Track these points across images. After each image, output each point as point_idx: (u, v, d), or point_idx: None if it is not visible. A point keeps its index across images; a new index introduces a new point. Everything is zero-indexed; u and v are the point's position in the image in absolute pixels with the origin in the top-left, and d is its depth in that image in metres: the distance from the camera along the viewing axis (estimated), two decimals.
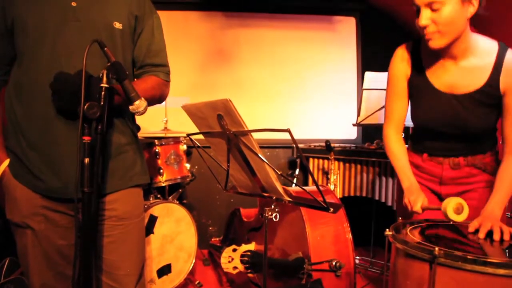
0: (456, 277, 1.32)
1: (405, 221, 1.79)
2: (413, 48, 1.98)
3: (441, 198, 2.06)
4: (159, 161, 3.43)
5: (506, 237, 1.55)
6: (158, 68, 1.92)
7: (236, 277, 3.40)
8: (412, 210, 1.84)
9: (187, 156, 3.65)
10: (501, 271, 1.26)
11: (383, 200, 3.64)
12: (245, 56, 4.74)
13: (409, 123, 2.12)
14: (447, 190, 2.03)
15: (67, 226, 1.78)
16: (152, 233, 3.06)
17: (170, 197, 3.63)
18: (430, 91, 1.92)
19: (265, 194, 1.85)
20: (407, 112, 2.09)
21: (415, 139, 2.12)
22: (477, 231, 1.62)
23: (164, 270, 3.14)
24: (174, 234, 3.20)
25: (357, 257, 4.04)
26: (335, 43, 4.85)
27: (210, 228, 4.67)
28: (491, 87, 1.81)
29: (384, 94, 2.12)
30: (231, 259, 2.89)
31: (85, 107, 1.45)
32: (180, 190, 3.79)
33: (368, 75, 3.76)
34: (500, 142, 1.94)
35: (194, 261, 3.31)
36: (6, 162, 1.77)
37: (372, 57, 4.69)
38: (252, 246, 2.99)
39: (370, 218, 3.99)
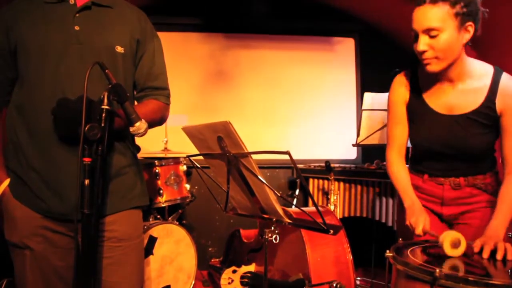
0: None
1: (406, 242, 1.79)
2: (411, 74, 2.03)
3: (442, 220, 2.06)
4: (159, 182, 3.43)
5: (510, 256, 1.55)
6: (159, 91, 1.94)
7: None
8: (414, 232, 1.84)
9: (187, 177, 3.65)
10: None
11: (383, 220, 3.63)
12: (245, 77, 4.78)
13: (408, 143, 2.13)
14: (448, 211, 2.03)
15: (66, 247, 1.77)
16: (152, 254, 3.05)
17: (169, 218, 3.62)
18: (428, 114, 1.96)
19: (265, 216, 1.85)
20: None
21: (415, 160, 2.14)
22: (481, 250, 1.61)
23: None
24: (174, 255, 3.19)
25: (358, 278, 4.01)
26: (334, 64, 4.89)
27: (209, 249, 4.64)
28: (488, 108, 1.85)
29: (383, 114, 2.15)
30: (231, 281, 2.87)
31: (86, 128, 1.46)
32: (180, 211, 3.78)
33: (367, 95, 3.77)
34: (500, 161, 1.95)
35: (193, 282, 3.29)
36: (6, 182, 1.77)
37: (371, 78, 4.72)
38: (252, 267, 2.97)
39: (371, 239, 3.97)
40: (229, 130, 1.59)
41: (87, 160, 1.49)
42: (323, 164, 3.80)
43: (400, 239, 1.83)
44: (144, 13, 1.94)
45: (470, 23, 1.76)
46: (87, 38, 1.73)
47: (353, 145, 3.87)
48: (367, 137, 3.71)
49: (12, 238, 1.76)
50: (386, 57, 4.49)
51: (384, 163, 2.17)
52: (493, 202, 1.89)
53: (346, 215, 3.92)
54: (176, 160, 3.58)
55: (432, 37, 1.75)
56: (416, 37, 1.80)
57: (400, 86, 2.05)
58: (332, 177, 3.73)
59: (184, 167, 3.63)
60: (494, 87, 1.84)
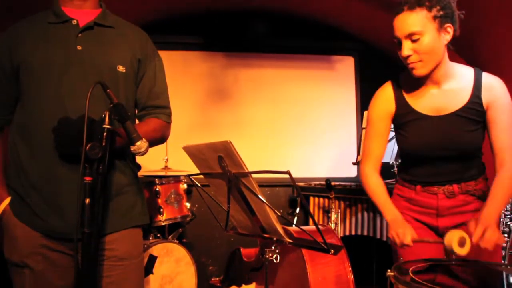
0: None
1: (407, 261, 1.78)
2: (394, 84, 2.09)
3: (438, 233, 2.05)
4: (159, 200, 3.43)
5: (475, 240, 1.67)
6: (160, 110, 1.94)
7: None
8: (402, 243, 1.84)
9: (187, 195, 3.64)
10: None
11: (384, 239, 3.61)
12: (245, 95, 4.80)
13: (385, 159, 2.15)
14: (444, 223, 2.03)
15: (66, 266, 1.76)
16: (152, 273, 3.03)
17: (170, 237, 3.60)
18: (417, 118, 2.00)
19: (266, 235, 1.84)
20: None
21: (406, 171, 2.14)
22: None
23: None
24: (174, 274, 3.17)
25: None
26: (334, 82, 4.92)
27: (210, 268, 4.61)
28: (475, 104, 1.92)
29: None
30: None
31: (87, 147, 1.47)
32: (180, 230, 3.76)
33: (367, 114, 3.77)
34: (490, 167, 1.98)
35: None
36: (7, 200, 1.77)
37: (371, 96, 4.69)
38: (252, 287, 2.94)
39: (372, 258, 3.95)
40: (230, 150, 1.60)
41: (88, 179, 1.50)
42: (323, 182, 3.79)
43: (401, 258, 1.83)
44: (145, 33, 1.96)
45: (448, 24, 1.85)
46: (89, 58, 1.75)
47: (354, 163, 3.87)
48: None
49: (12, 257, 1.75)
50: (385, 76, 4.47)
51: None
52: None
53: (347, 233, 3.89)
54: (177, 179, 3.58)
55: (414, 41, 1.84)
56: (399, 44, 1.89)
57: (382, 101, 2.10)
58: (333, 195, 3.72)
59: (185, 186, 3.62)
60: (478, 84, 1.93)
